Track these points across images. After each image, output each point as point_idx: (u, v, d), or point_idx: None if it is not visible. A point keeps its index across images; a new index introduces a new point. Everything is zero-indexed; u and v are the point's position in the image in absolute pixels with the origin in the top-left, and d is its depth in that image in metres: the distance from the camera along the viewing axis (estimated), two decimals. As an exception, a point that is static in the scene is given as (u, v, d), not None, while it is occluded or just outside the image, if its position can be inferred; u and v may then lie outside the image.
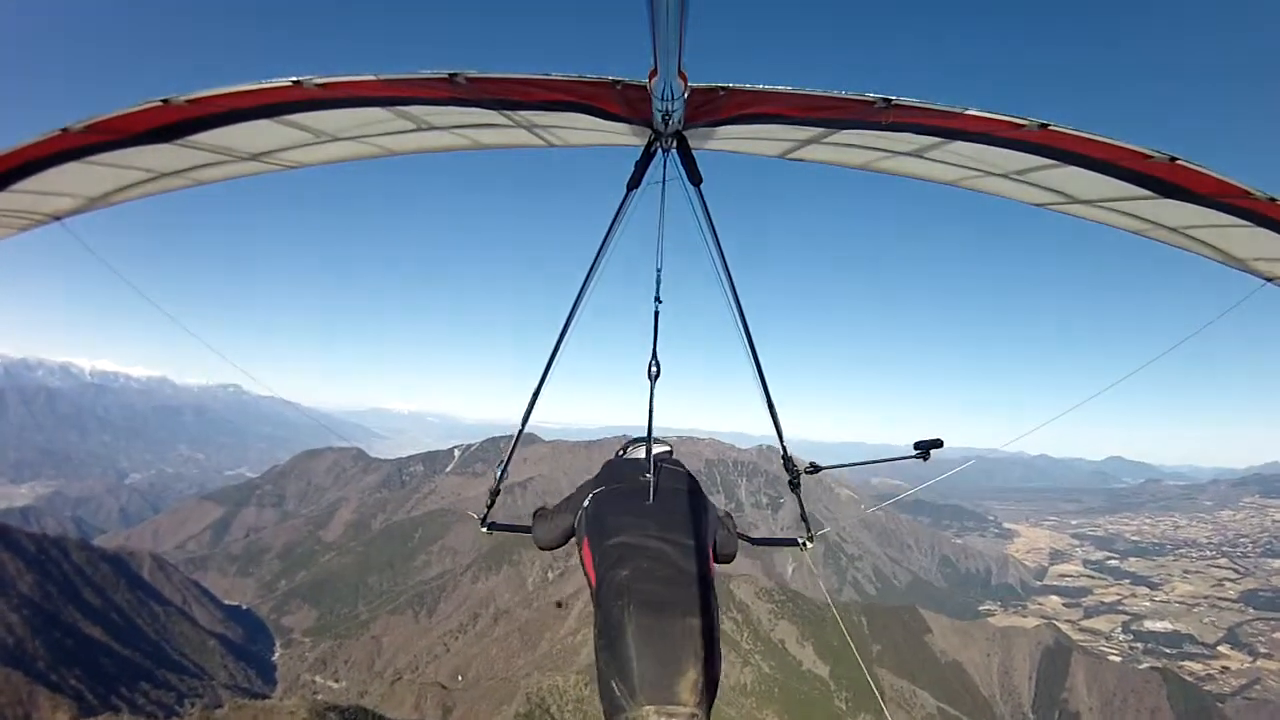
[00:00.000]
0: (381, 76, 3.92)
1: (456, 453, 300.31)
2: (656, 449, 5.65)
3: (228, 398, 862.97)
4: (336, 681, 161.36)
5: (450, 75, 3.74)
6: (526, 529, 6.24)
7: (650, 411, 5.96)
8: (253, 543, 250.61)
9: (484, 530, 7.49)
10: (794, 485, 6.92)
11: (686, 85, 3.60)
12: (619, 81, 3.84)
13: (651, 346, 6.01)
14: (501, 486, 7.40)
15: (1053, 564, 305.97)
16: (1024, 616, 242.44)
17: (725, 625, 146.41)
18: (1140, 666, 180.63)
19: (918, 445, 6.09)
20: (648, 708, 3.61)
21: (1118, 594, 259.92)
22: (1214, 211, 4.54)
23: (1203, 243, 5.13)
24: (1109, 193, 4.81)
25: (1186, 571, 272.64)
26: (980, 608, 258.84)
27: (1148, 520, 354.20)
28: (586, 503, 5.16)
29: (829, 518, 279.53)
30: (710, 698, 3.91)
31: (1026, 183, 5.12)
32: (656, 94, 3.66)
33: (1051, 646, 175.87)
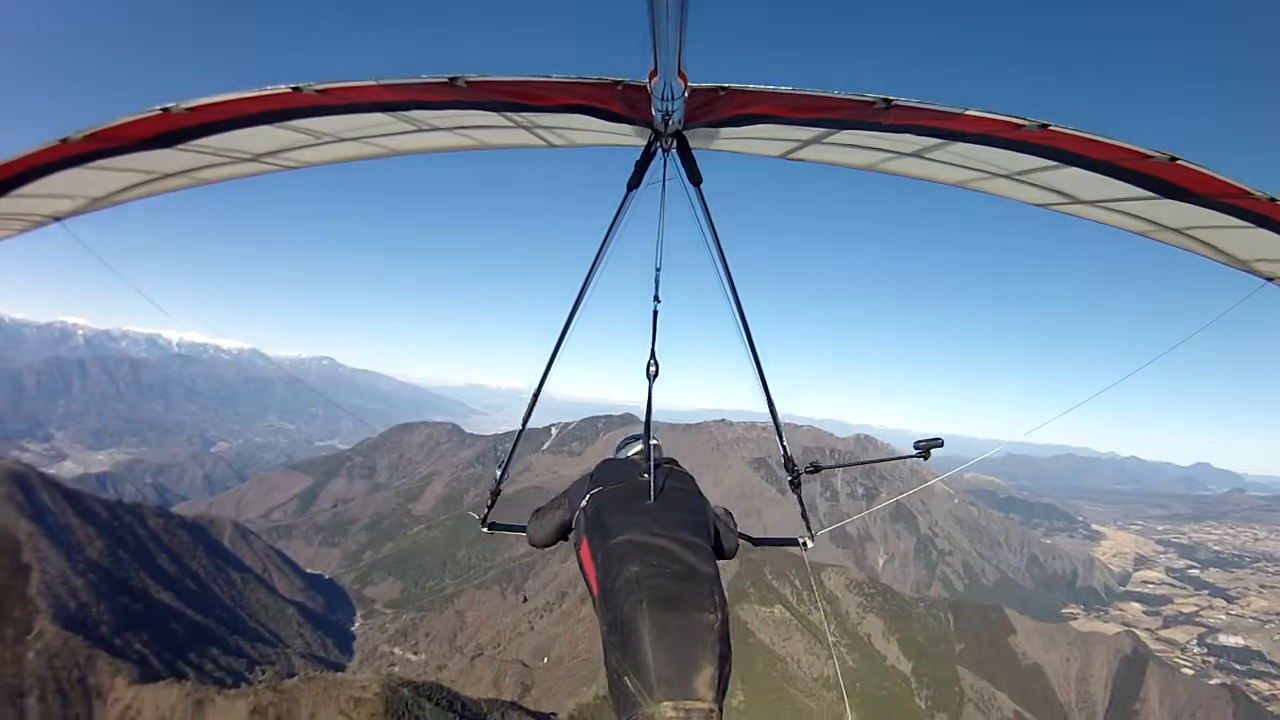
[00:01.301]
0: (382, 82, 3.96)
1: (553, 430, 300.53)
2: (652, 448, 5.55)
3: (321, 370, 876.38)
4: (415, 654, 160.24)
5: (451, 79, 3.83)
6: (525, 529, 6.22)
7: (649, 411, 5.99)
8: (340, 513, 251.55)
9: (484, 530, 7.51)
10: (794, 485, 6.83)
11: (686, 86, 3.67)
12: (619, 82, 3.88)
13: (650, 346, 6.02)
14: (502, 487, 7.33)
15: (1137, 569, 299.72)
16: (1105, 622, 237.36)
17: (813, 616, 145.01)
18: (1211, 682, 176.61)
19: (917, 445, 6.23)
20: (665, 704, 3.56)
21: (1196, 605, 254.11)
22: (1214, 212, 4.49)
23: (1205, 244, 5.06)
24: (1111, 193, 4.75)
25: (1263, 586, 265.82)
26: (1064, 610, 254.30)
27: (1230, 530, 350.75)
28: (585, 502, 5.02)
29: (922, 510, 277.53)
30: (723, 695, 3.82)
31: (1029, 184, 5.04)
32: (656, 94, 3.73)
33: (1129, 655, 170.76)
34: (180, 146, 4.82)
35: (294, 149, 5.31)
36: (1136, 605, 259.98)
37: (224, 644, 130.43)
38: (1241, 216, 4.38)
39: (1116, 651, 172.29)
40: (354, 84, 3.91)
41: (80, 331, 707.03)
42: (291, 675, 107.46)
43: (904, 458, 6.87)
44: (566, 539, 5.72)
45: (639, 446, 5.81)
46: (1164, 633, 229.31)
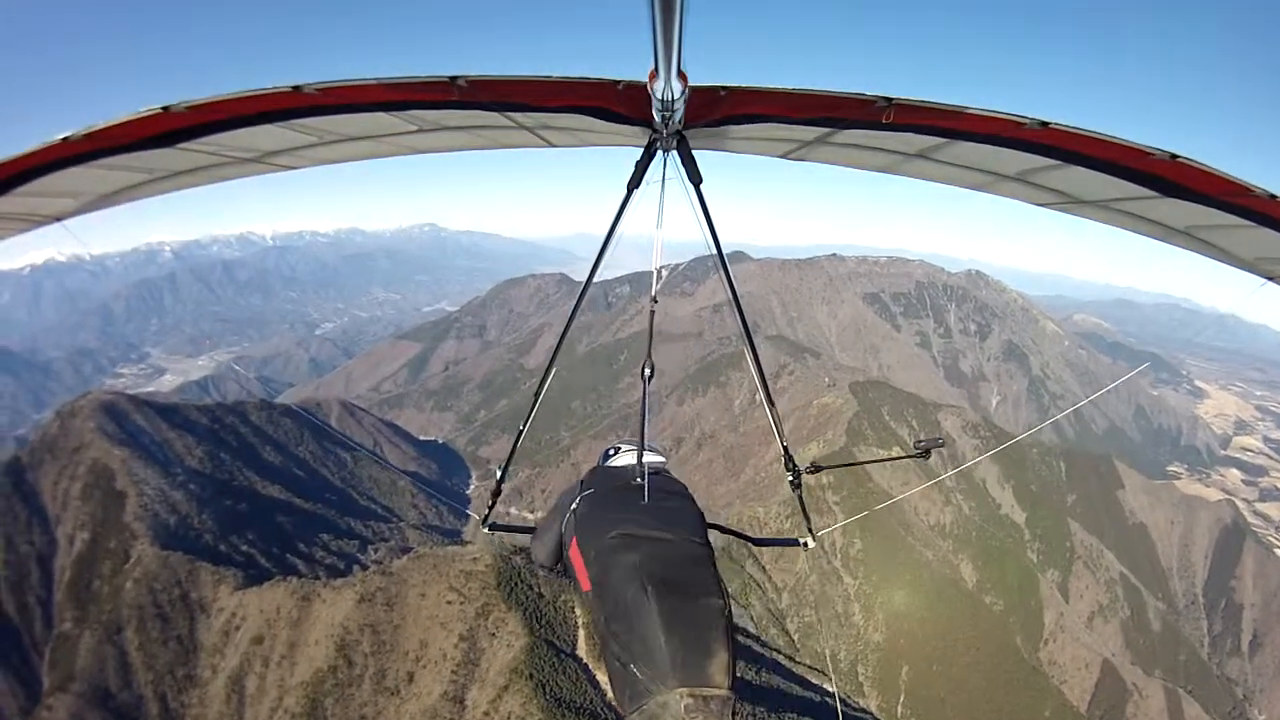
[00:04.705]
0: (383, 81, 3.96)
1: (663, 272, 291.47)
2: (650, 459, 5.41)
3: (423, 237, 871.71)
4: (531, 512, 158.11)
5: (451, 79, 3.84)
6: (530, 530, 6.11)
7: (643, 413, 5.84)
8: (451, 376, 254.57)
9: (484, 530, 7.34)
10: (795, 485, 6.49)
11: (686, 85, 3.65)
12: (619, 82, 3.90)
13: (647, 347, 6.10)
14: (502, 487, 7.25)
15: (1237, 434, 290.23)
16: (1206, 485, 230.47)
17: (931, 460, 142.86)
18: None
19: (917, 444, 6.36)
20: (680, 690, 3.44)
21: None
22: (1216, 211, 4.32)
23: (1208, 243, 4.87)
24: (1113, 193, 4.60)
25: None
26: (1168, 468, 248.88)
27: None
28: (575, 505, 4.90)
29: (1033, 350, 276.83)
30: (734, 680, 3.75)
31: (1033, 184, 4.91)
32: (657, 94, 3.70)
33: (1230, 527, 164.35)
34: (182, 145, 4.59)
35: (299, 148, 5.12)
36: (1236, 472, 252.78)
37: (334, 528, 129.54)
38: (1242, 215, 4.17)
39: (1218, 520, 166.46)
40: (354, 83, 3.86)
41: (167, 249, 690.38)
42: (406, 550, 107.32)
43: (905, 458, 7.17)
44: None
45: (630, 457, 5.57)
46: (1260, 506, 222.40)
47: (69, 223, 5.75)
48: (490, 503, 7.27)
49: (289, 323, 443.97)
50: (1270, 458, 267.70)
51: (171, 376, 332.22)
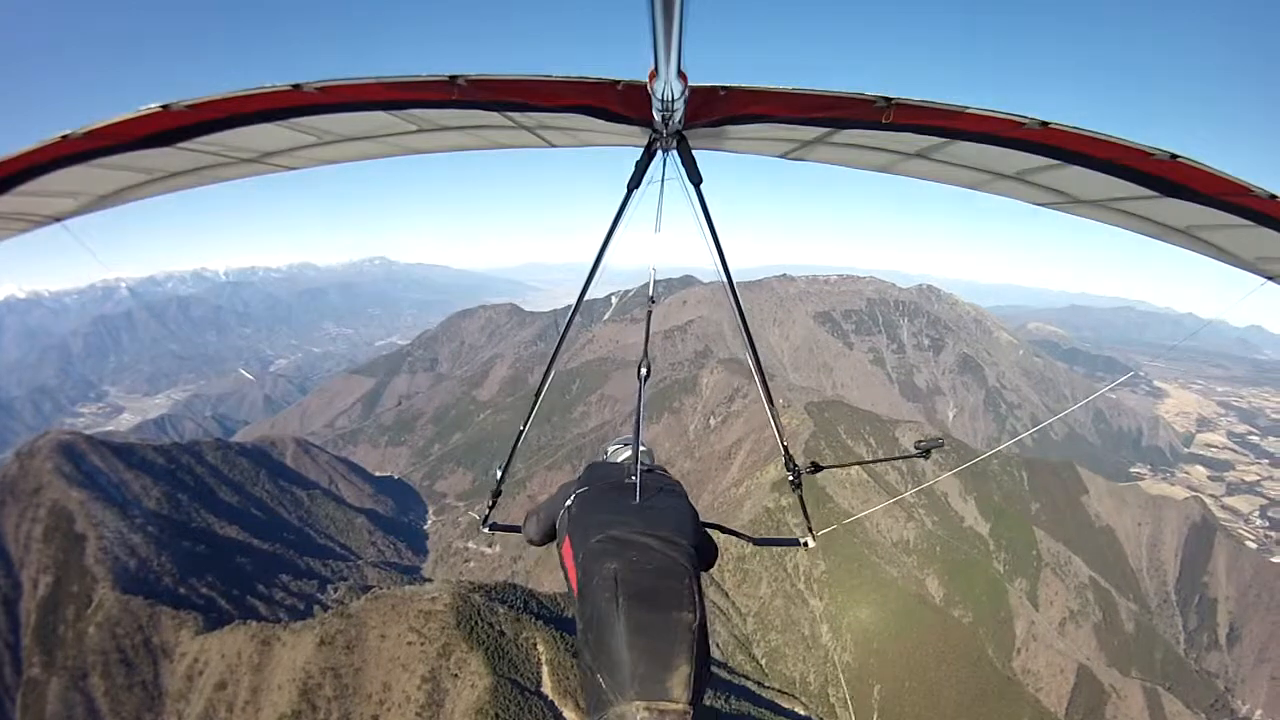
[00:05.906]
0: (382, 80, 3.98)
1: (613, 300, 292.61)
2: (642, 454, 5.60)
3: (374, 271, 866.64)
4: (490, 547, 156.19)
5: (450, 78, 3.85)
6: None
7: (639, 411, 5.96)
8: (405, 410, 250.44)
9: (484, 530, 7.68)
10: (795, 485, 6.57)
11: (686, 85, 3.62)
12: (619, 82, 3.90)
13: (644, 346, 6.21)
14: (502, 488, 7.45)
15: (1200, 431, 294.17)
16: (1172, 484, 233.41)
17: (890, 477, 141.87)
18: (1274, 560, 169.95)
19: (918, 444, 6.38)
20: (637, 703, 3.45)
21: (1257, 474, 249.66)
22: (1216, 210, 4.37)
23: (1208, 243, 4.92)
24: (1113, 192, 4.64)
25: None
26: (1131, 470, 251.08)
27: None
28: (569, 502, 5.00)
29: (988, 361, 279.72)
30: (700, 696, 3.75)
31: (1032, 183, 4.93)
32: (657, 94, 3.68)
33: (1198, 523, 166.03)
34: (181, 145, 4.61)
35: (299, 148, 5.13)
36: (1201, 469, 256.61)
37: (294, 568, 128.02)
38: (1242, 214, 4.22)
39: (1186, 518, 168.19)
40: (354, 82, 3.87)
41: (123, 285, 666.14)
42: (366, 588, 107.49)
43: (905, 457, 7.83)
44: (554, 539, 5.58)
45: (625, 453, 5.81)
46: (1228, 500, 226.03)
47: (70, 222, 5.69)
48: (490, 503, 7.43)
49: (243, 359, 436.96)
50: (1235, 451, 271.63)
51: (129, 415, 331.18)
